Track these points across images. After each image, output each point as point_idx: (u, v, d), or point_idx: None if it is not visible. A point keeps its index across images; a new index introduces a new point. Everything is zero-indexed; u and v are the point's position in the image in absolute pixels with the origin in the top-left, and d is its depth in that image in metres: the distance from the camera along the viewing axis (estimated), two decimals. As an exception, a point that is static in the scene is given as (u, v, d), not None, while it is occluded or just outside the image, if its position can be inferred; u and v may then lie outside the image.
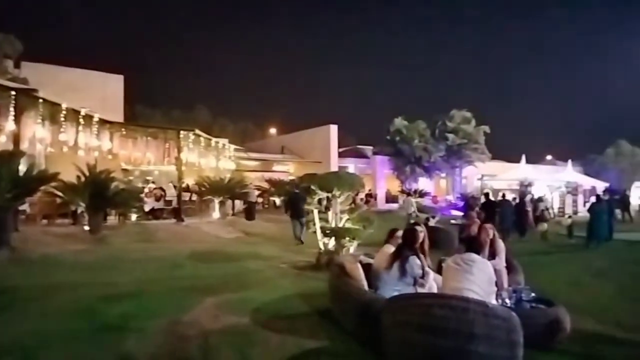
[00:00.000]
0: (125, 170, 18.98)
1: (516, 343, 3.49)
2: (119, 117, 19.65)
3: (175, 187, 17.51)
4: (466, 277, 4.02)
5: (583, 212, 20.55)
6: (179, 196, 16.79)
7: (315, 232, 9.67)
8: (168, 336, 4.82)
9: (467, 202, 22.14)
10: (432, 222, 15.59)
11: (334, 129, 30.55)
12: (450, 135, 30.68)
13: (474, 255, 4.18)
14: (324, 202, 9.80)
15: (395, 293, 4.48)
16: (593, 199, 15.81)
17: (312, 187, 9.24)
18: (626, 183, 32.13)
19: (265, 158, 31.09)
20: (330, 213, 9.66)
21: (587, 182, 28.87)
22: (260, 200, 21.15)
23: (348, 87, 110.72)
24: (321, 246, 9.42)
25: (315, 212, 9.68)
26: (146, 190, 17.46)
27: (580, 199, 26.43)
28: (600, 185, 28.23)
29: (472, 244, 4.46)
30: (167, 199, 17.51)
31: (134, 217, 15.23)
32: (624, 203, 23.69)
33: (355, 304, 4.64)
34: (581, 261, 10.84)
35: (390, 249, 5.17)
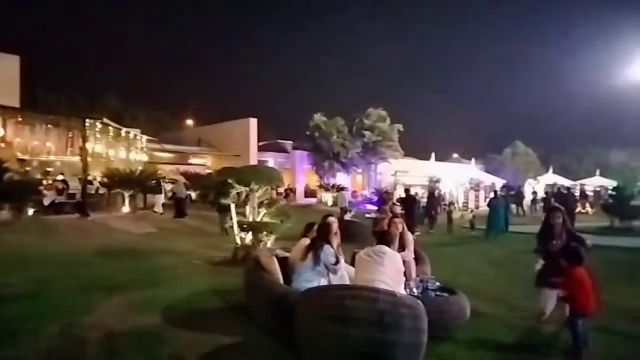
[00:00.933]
0: (21, 160, 17.25)
1: (422, 330, 3.69)
2: (14, 101, 17.77)
3: (80, 179, 16.25)
4: (377, 269, 4.18)
5: (484, 207, 22.30)
6: (84, 189, 15.62)
7: (232, 226, 9.52)
8: (65, 339, 4.47)
9: (382, 197, 23.06)
10: (347, 217, 16.05)
11: (253, 122, 30.19)
12: (367, 133, 31.68)
13: (385, 248, 4.37)
14: (243, 197, 9.67)
15: (309, 285, 4.55)
16: (492, 195, 17.27)
17: (230, 181, 9.07)
18: (521, 180, 35.38)
19: (181, 150, 29.88)
20: (248, 207, 9.56)
21: (488, 179, 31.39)
22: (188, 194, 20.13)
23: (269, 81, 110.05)
24: (238, 241, 9.29)
25: (233, 206, 9.51)
26: (45, 182, 16.02)
27: (482, 194, 28.67)
28: (499, 182, 30.85)
29: (384, 237, 4.65)
30: (70, 192, 16.20)
31: (31, 211, 13.90)
32: (519, 198, 26.16)
33: (269, 298, 4.63)
34: (481, 252, 11.77)
35: (307, 242, 5.25)
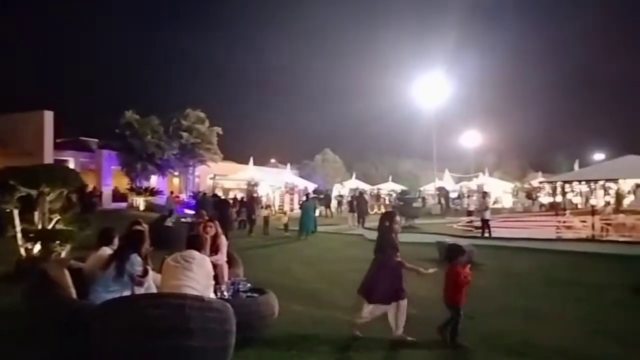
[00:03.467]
0: None
1: (229, 332, 3.71)
2: None
3: None
4: (185, 274, 4.06)
5: (298, 209, 23.73)
6: None
7: (15, 236, 8.06)
8: None
9: (199, 201, 22.52)
10: (168, 222, 15.09)
11: (48, 115, 26.14)
12: (185, 134, 30.60)
13: (194, 252, 4.26)
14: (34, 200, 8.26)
15: (110, 297, 4.15)
16: (304, 198, 18.49)
17: (12, 182, 7.68)
18: (329, 184, 38.72)
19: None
20: (36, 213, 8.23)
21: (302, 183, 33.48)
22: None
23: (73, 72, 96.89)
24: (23, 252, 7.93)
25: (15, 212, 8.07)
26: None
27: (296, 197, 30.43)
28: (311, 186, 33.18)
29: (193, 242, 4.54)
30: None
31: None
32: (327, 201, 28.63)
33: (59, 317, 4.07)
34: (294, 251, 12.49)
35: (107, 251, 4.78)
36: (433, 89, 37.18)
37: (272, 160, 48.21)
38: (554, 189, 22.19)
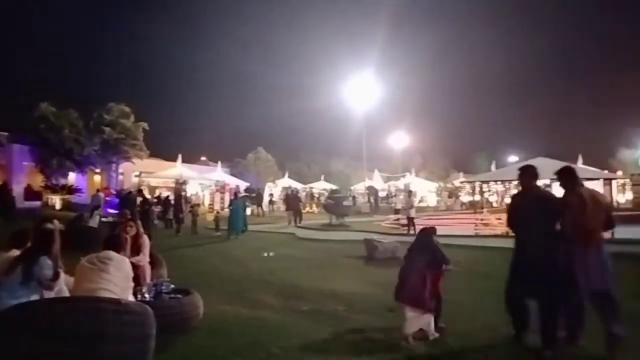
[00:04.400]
0: None
1: (149, 336, 3.58)
2: None
3: None
4: (102, 277, 3.84)
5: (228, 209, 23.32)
6: None
7: None
8: None
9: (123, 200, 21.42)
10: (91, 222, 14.19)
11: (-52, 105, 23.65)
12: (107, 129, 28.93)
13: (111, 253, 4.05)
14: None
15: (17, 302, 3.84)
16: (233, 197, 18.23)
17: None
18: (261, 183, 38.40)
19: None
20: None
21: (233, 181, 32.92)
22: None
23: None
24: None
25: None
26: None
27: (227, 196, 29.84)
28: (243, 185, 32.74)
29: (111, 242, 4.32)
30: None
31: None
32: (259, 200, 28.38)
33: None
34: (223, 250, 12.29)
35: (15, 253, 4.41)
36: (363, 90, 38.18)
37: (203, 158, 46.95)
38: (473, 189, 23.65)
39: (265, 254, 11.20)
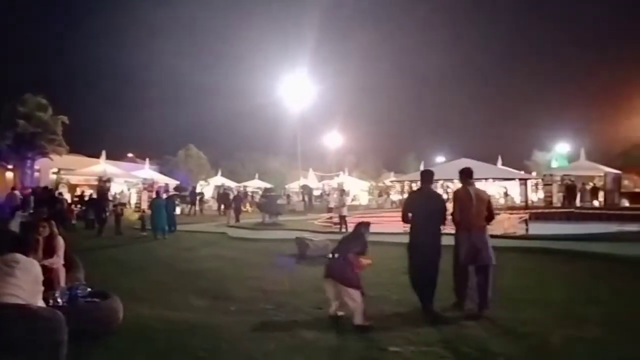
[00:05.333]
0: None
1: (60, 343, 3.37)
2: None
3: None
4: (7, 281, 3.54)
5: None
6: None
7: None
8: None
9: (39, 198, 19.88)
10: (12, 225, 12.99)
11: None
12: (22, 122, 26.77)
13: (19, 256, 3.74)
14: None
15: None
16: (154, 195, 17.59)
17: None
18: (193, 181, 37.29)
19: None
20: None
21: (162, 179, 31.69)
22: None
23: None
24: None
25: None
26: None
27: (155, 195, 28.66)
28: (173, 183, 31.63)
29: (19, 244, 3.99)
30: None
31: None
32: (192, 198, 27.48)
33: None
34: (148, 251, 11.83)
35: None
36: (298, 90, 38.30)
37: (130, 155, 44.81)
38: (403, 188, 24.57)
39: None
